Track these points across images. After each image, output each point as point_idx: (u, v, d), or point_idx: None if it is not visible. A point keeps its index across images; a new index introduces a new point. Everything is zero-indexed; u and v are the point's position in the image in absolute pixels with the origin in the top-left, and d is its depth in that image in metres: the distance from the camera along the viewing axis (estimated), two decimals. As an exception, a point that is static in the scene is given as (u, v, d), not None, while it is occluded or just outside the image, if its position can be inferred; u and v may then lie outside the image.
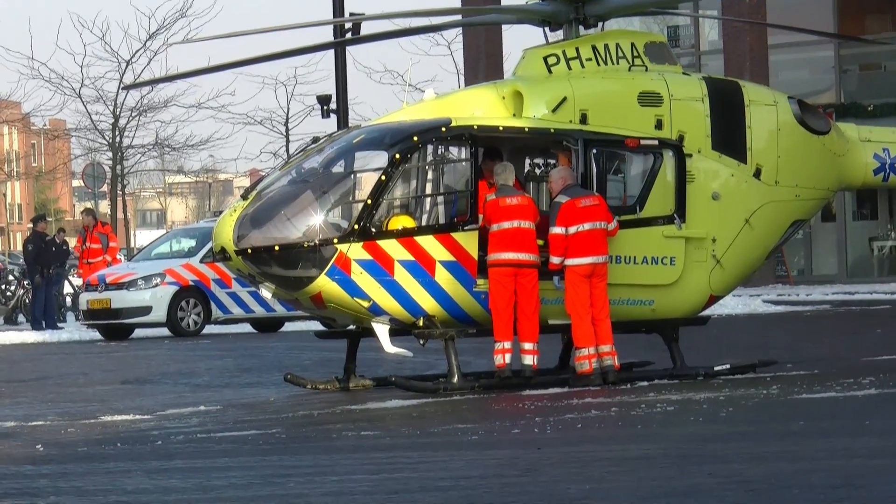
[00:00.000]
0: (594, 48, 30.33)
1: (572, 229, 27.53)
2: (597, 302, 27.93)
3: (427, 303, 28.15)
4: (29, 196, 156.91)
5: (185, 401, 28.49)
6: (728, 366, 29.79)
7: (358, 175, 29.14)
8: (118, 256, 58.81)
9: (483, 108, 29.99)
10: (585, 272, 27.68)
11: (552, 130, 29.20)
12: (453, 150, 29.64)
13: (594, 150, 29.18)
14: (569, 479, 16.83)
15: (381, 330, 28.13)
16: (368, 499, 15.82)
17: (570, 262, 27.65)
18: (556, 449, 19.89)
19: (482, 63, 73.24)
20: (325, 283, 27.97)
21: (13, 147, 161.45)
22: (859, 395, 25.50)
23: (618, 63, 30.41)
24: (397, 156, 28.23)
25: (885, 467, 16.68)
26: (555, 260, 27.67)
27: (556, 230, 27.63)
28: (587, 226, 27.59)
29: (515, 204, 27.63)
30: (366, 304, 28.10)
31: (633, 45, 30.80)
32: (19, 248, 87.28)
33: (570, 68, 30.11)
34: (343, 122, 49.33)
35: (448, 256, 28.23)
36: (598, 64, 30.34)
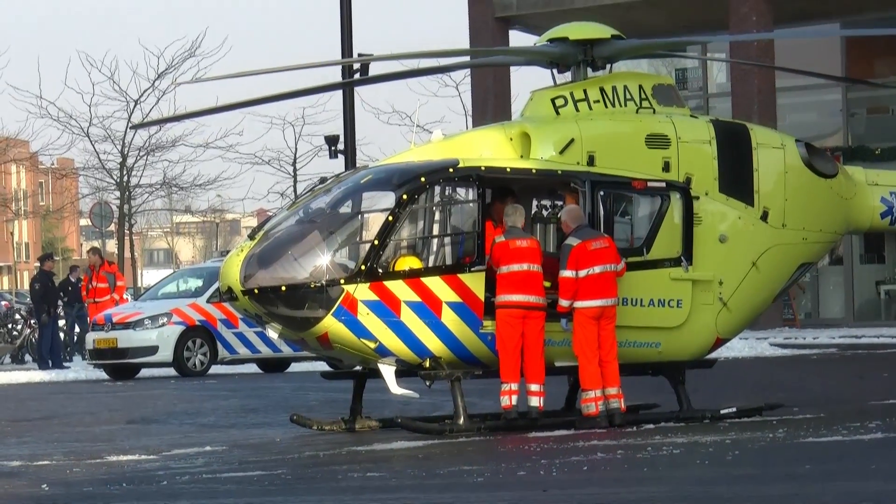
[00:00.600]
0: (602, 90, 30.18)
1: (583, 272, 27.51)
2: (604, 344, 27.87)
3: (433, 344, 28.06)
4: (36, 235, 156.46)
5: (190, 441, 28.49)
6: (734, 409, 29.76)
7: (365, 216, 29.13)
8: (125, 296, 58.63)
9: (491, 149, 29.78)
10: (595, 314, 27.62)
11: (560, 172, 29.18)
12: (461, 191, 29.51)
13: (601, 192, 29.16)
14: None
15: (388, 371, 28.05)
16: None
17: (579, 304, 27.64)
18: (562, 491, 19.72)
19: (490, 104, 72.56)
20: (331, 324, 27.82)
21: (21, 186, 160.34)
22: (865, 438, 25.37)
23: (625, 105, 30.24)
24: (404, 196, 28.14)
25: None
26: (563, 303, 27.68)
27: (567, 273, 27.60)
28: (598, 269, 27.58)
29: (525, 247, 27.59)
30: (372, 344, 27.99)
31: (640, 87, 30.67)
32: (26, 286, 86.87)
33: (577, 110, 29.94)
34: (351, 163, 49.50)
35: (455, 297, 28.19)
36: (606, 106, 30.19)
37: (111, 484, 21.60)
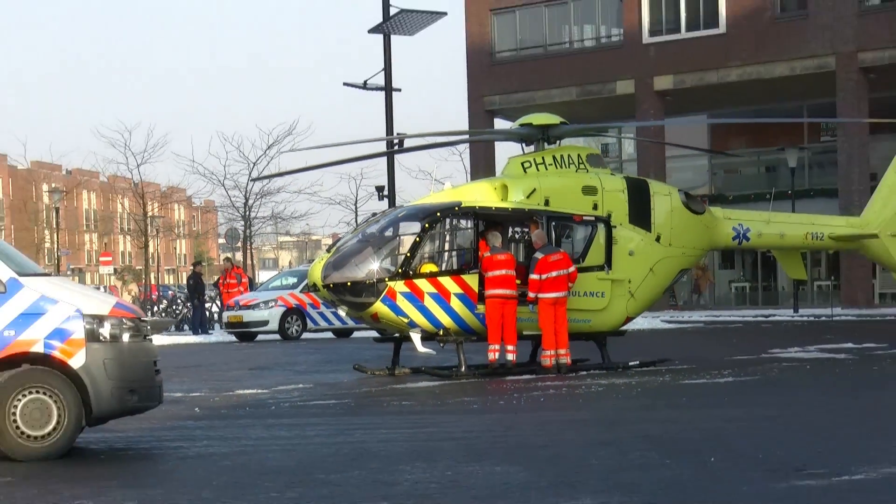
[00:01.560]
0: (554, 157, 35.52)
1: (545, 276, 32.56)
2: (558, 320, 32.77)
3: (445, 320, 33.41)
4: (189, 249, 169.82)
5: (289, 381, 32.90)
6: (638, 362, 35.10)
7: (401, 237, 33.82)
8: (249, 289, 66.08)
9: (482, 194, 35.13)
10: (552, 302, 32.72)
11: (527, 210, 34.29)
12: (462, 222, 34.57)
13: (554, 223, 34.36)
14: (535, 434, 20.94)
15: (416, 337, 33.28)
16: (407, 444, 19.48)
17: (543, 296, 32.67)
18: (526, 414, 24.60)
19: (481, 165, 78.89)
20: (379, 307, 33.13)
21: (180, 217, 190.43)
22: (721, 381, 30.24)
23: (569, 167, 35.54)
24: (427, 225, 33.66)
25: (741, 427, 20.76)
26: (531, 295, 32.71)
27: (534, 276, 32.72)
28: (555, 273, 32.67)
29: (503, 259, 32.91)
30: (405, 320, 33.27)
31: (579, 155, 35.98)
32: (183, 281, 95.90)
33: (538, 170, 35.28)
34: (391, 203, 52.62)
35: (459, 290, 33.47)
36: (556, 167, 35.44)
37: (239, 408, 26.11)
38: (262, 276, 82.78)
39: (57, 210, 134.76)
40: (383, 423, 23.00)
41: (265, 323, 57.17)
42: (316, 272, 34.42)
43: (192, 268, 73.43)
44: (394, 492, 14.74)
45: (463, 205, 34.35)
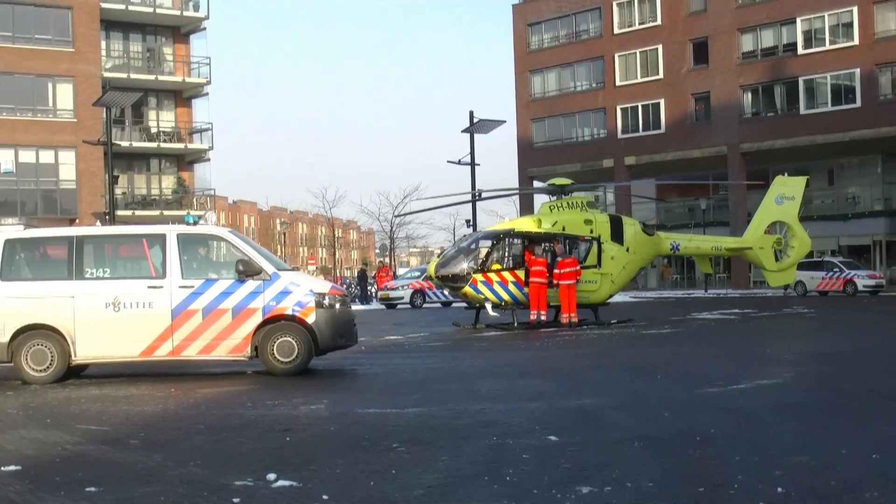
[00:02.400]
0: (568, 203, 34.77)
1: (562, 271, 31.88)
2: (570, 296, 32.08)
3: (505, 296, 32.61)
4: (359, 256, 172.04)
5: (415, 331, 31.73)
6: (616, 321, 33.63)
7: (479, 248, 33.38)
8: (393, 278, 65.74)
9: (526, 224, 34.60)
10: (566, 286, 31.95)
11: (553, 233, 33.55)
12: (515, 240, 33.54)
13: (568, 241, 33.53)
14: (556, 362, 20.94)
15: (488, 306, 32.72)
16: (483, 368, 19.52)
17: (561, 282, 31.95)
18: (551, 351, 23.95)
19: (526, 207, 77.76)
20: (467, 289, 32.76)
21: (354, 238, 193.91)
22: (664, 331, 29.59)
23: (576, 208, 34.62)
24: (494, 242, 33.40)
25: (675, 358, 20.56)
26: (554, 282, 31.99)
27: (556, 271, 32.03)
28: (567, 270, 32.00)
29: (540, 261, 32.31)
30: (482, 297, 32.66)
31: (582, 202, 35.16)
32: (355, 274, 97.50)
33: (558, 210, 34.55)
34: (474, 229, 51.60)
35: (513, 279, 32.63)
36: (569, 209, 34.57)
37: (386, 347, 25.49)
38: (400, 271, 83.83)
39: (284, 234, 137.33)
40: (470, 355, 22.64)
41: (402, 298, 56.12)
42: (431, 269, 34.78)
43: (361, 267, 74.09)
44: (475, 395, 14.59)
45: (515, 230, 34.16)
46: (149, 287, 18.08)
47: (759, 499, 7.71)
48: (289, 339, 18.29)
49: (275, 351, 18.27)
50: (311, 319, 18.27)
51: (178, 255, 18.16)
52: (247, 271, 18.04)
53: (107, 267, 18.62)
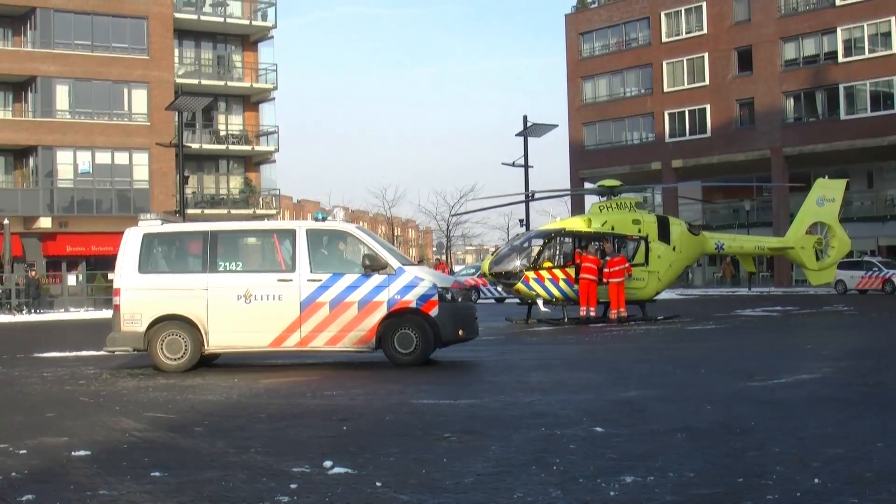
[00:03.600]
0: (617, 203, 34.71)
1: (612, 269, 31.96)
2: (619, 293, 32.13)
3: (556, 292, 32.59)
4: (417, 254, 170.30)
5: None
6: (663, 316, 33.85)
7: (532, 247, 33.29)
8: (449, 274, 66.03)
9: (577, 224, 34.58)
10: (616, 283, 32.03)
11: (602, 232, 33.48)
12: (566, 239, 33.41)
13: (617, 240, 33.56)
14: (604, 355, 20.92)
15: (540, 302, 32.72)
16: (534, 361, 19.70)
17: (609, 280, 32.06)
18: (600, 345, 23.72)
19: (577, 207, 77.11)
20: (520, 286, 32.69)
21: (412, 236, 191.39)
22: (709, 327, 29.55)
23: (625, 209, 34.57)
24: (547, 240, 33.28)
25: (720, 352, 21.19)
26: (603, 279, 32.05)
27: (606, 270, 32.04)
28: (616, 268, 32.02)
29: (591, 258, 31.92)
30: (534, 293, 32.58)
31: (630, 203, 35.10)
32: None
33: (608, 210, 34.51)
34: (527, 228, 51.34)
35: (563, 276, 32.55)
36: (618, 209, 34.52)
37: None
38: (457, 268, 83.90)
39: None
40: (521, 349, 22.60)
41: None
42: (485, 266, 34.72)
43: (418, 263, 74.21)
44: (526, 387, 14.52)
45: (566, 229, 34.10)
46: (278, 280, 18.22)
47: (796, 489, 7.60)
48: (409, 331, 18.23)
49: (395, 343, 18.24)
50: (433, 313, 18.20)
51: (307, 250, 18.27)
52: (373, 266, 18.07)
53: (239, 260, 18.91)
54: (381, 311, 18.16)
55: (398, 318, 18.26)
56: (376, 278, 18.16)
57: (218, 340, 18.41)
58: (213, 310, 18.31)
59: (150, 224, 19.19)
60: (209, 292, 18.32)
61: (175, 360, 18.34)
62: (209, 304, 18.32)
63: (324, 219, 19.08)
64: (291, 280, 18.18)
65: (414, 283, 18.25)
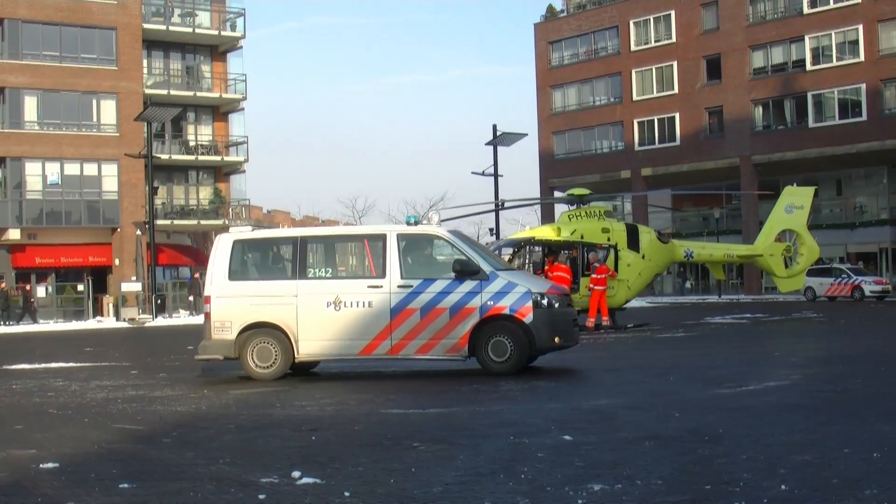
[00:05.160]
0: (586, 212, 35.20)
1: (599, 277, 32.06)
2: (603, 300, 32.27)
3: None
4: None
5: None
6: (633, 324, 33.86)
7: (503, 255, 32.56)
8: None
9: (546, 233, 35.09)
10: (600, 291, 32.07)
11: (571, 241, 33.90)
12: (536, 248, 34.13)
13: (585, 248, 33.79)
14: (571, 362, 19.92)
15: None
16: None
17: (596, 287, 32.07)
18: (568, 354, 20.59)
19: (547, 217, 76.90)
20: None
21: None
22: (678, 335, 29.45)
23: (594, 218, 34.96)
24: (516, 249, 33.89)
25: (688, 360, 21.03)
26: (590, 286, 32.13)
27: (595, 276, 32.18)
28: (602, 276, 32.23)
29: (564, 266, 31.45)
30: None
31: (600, 211, 35.67)
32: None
33: (577, 219, 34.88)
34: (497, 237, 52.59)
35: None
36: (587, 218, 34.92)
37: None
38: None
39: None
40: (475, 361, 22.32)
41: None
42: None
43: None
44: (495, 396, 14.52)
45: (535, 238, 34.56)
46: (368, 286, 17.81)
47: (763, 496, 7.62)
48: (503, 338, 17.61)
49: (489, 350, 17.60)
50: (528, 319, 17.53)
51: (397, 255, 17.84)
52: (464, 270, 17.53)
53: (328, 266, 18.74)
54: (474, 318, 17.58)
55: (491, 325, 17.64)
56: (468, 284, 17.60)
57: (308, 348, 18.10)
58: (302, 317, 17.99)
59: (241, 230, 18.97)
60: (298, 299, 18.00)
61: (265, 368, 18.09)
62: (299, 312, 18.00)
63: (416, 222, 18.55)
64: (381, 286, 17.76)
65: (507, 288, 17.62)
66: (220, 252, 18.60)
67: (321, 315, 17.89)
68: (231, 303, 18.26)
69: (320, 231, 20.51)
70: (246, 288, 18.33)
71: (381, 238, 18.12)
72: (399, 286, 17.70)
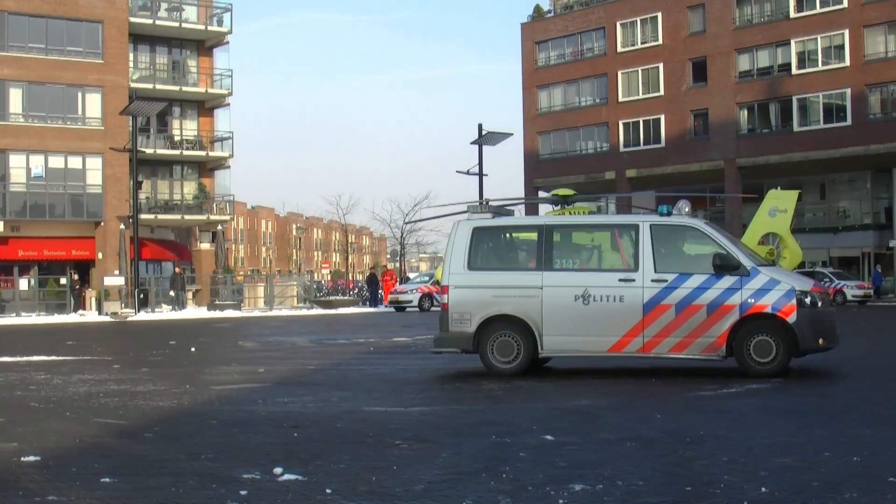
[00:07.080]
0: (570, 213, 34.70)
1: None
2: None
3: None
4: (371, 261, 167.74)
5: (423, 333, 30.41)
6: None
7: None
8: (398, 283, 65.15)
9: None
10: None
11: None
12: None
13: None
14: (556, 361, 18.33)
15: None
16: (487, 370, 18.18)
17: None
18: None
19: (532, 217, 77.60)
20: None
21: (366, 243, 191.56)
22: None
23: (580, 215, 33.52)
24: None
25: (669, 369, 18.35)
26: None
27: None
28: None
29: None
30: None
31: (584, 212, 35.95)
32: (362, 278, 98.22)
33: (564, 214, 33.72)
34: None
35: None
36: (573, 214, 34.04)
37: (395, 347, 25.42)
38: (411, 275, 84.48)
39: (300, 239, 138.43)
40: (473, 357, 19.02)
41: (410, 302, 55.09)
42: (438, 274, 35.85)
43: (371, 271, 73.97)
44: (478, 396, 14.52)
45: None
46: (620, 280, 16.92)
47: (743, 498, 7.66)
48: (768, 338, 16.57)
49: (752, 351, 16.58)
50: (791, 319, 16.46)
51: (651, 247, 16.93)
52: (724, 265, 16.65)
53: (576, 257, 17.88)
54: (733, 316, 16.61)
55: (751, 324, 16.64)
56: (727, 279, 16.65)
57: (553, 344, 17.32)
58: (547, 311, 17.17)
59: (481, 217, 18.23)
60: (544, 291, 17.18)
61: (506, 363, 17.47)
62: (544, 305, 17.19)
63: (669, 213, 17.66)
64: (634, 280, 16.85)
65: (770, 285, 16.62)
66: (459, 239, 17.96)
67: (568, 309, 17.07)
68: (471, 294, 17.58)
69: (567, 220, 19.76)
70: (487, 278, 17.59)
71: (634, 228, 17.27)
72: (653, 280, 16.81)
